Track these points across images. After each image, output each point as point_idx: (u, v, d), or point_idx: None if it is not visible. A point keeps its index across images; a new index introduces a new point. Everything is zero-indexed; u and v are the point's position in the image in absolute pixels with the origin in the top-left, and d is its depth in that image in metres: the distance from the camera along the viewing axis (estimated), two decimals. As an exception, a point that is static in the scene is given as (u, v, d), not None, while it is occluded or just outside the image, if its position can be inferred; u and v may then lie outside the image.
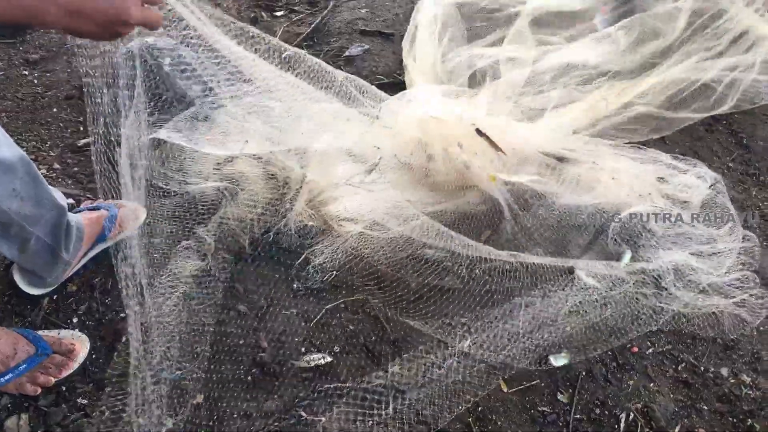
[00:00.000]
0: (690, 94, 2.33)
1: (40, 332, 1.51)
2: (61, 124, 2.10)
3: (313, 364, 1.59)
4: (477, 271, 1.77)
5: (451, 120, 1.92)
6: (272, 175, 1.92)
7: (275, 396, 1.52)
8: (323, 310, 1.70)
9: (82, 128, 2.09)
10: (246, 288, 1.72)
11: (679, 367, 1.70)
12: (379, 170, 1.89)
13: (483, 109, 2.07)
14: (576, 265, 1.74)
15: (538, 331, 1.64)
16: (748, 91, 2.38)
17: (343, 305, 1.72)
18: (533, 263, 1.75)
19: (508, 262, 1.74)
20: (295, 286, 1.75)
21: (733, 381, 1.69)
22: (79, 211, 1.69)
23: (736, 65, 2.37)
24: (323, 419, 1.47)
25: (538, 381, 1.63)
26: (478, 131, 1.90)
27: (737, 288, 1.78)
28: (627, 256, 1.84)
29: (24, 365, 1.42)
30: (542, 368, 1.62)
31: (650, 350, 1.72)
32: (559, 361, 1.64)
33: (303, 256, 1.79)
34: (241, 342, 1.61)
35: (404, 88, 2.40)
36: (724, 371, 1.70)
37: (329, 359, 1.60)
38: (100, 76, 1.43)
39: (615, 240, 1.88)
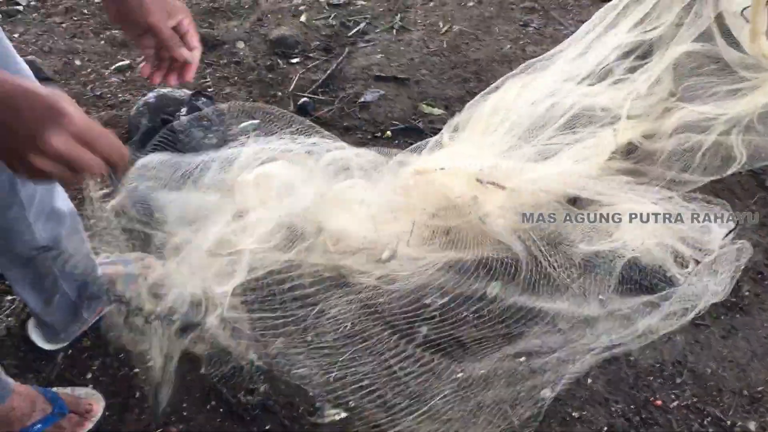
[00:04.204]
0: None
1: (55, 389, 1.51)
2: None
3: (328, 420, 1.57)
4: (490, 316, 1.76)
5: (458, 171, 1.90)
6: (287, 226, 1.92)
7: (289, 454, 1.50)
8: (336, 363, 1.69)
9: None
10: (259, 340, 1.71)
11: (705, 421, 1.64)
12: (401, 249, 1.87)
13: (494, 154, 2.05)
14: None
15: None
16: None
17: (358, 357, 1.70)
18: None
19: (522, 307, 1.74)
20: (309, 338, 1.74)
21: (761, 435, 1.63)
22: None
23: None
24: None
25: (558, 436, 1.59)
26: (479, 180, 1.89)
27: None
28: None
29: (40, 425, 1.42)
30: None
31: (674, 403, 1.67)
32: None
33: (318, 308, 1.78)
34: (253, 397, 1.60)
35: (420, 133, 2.42)
36: (752, 425, 1.64)
37: (344, 415, 1.58)
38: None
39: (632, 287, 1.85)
